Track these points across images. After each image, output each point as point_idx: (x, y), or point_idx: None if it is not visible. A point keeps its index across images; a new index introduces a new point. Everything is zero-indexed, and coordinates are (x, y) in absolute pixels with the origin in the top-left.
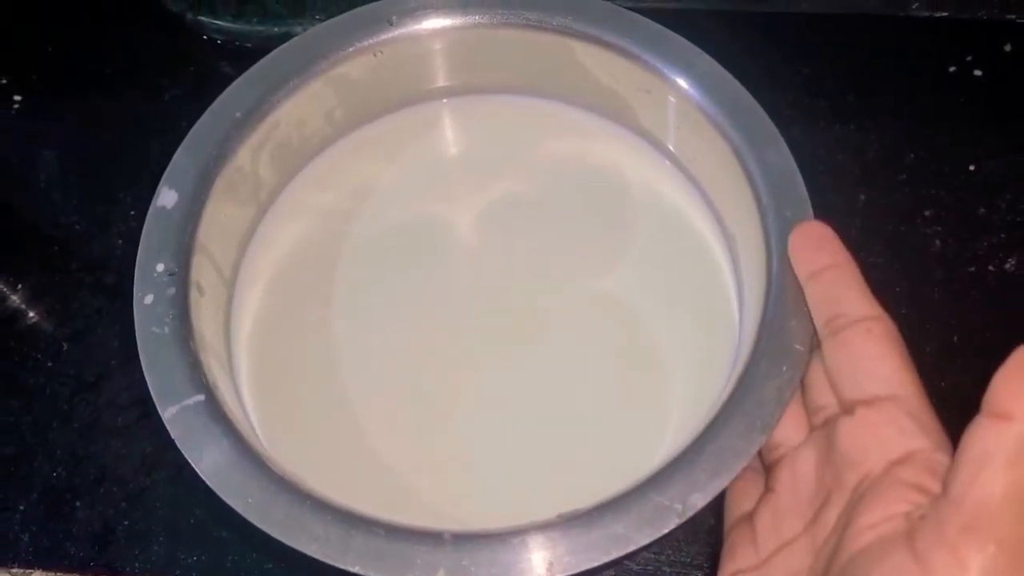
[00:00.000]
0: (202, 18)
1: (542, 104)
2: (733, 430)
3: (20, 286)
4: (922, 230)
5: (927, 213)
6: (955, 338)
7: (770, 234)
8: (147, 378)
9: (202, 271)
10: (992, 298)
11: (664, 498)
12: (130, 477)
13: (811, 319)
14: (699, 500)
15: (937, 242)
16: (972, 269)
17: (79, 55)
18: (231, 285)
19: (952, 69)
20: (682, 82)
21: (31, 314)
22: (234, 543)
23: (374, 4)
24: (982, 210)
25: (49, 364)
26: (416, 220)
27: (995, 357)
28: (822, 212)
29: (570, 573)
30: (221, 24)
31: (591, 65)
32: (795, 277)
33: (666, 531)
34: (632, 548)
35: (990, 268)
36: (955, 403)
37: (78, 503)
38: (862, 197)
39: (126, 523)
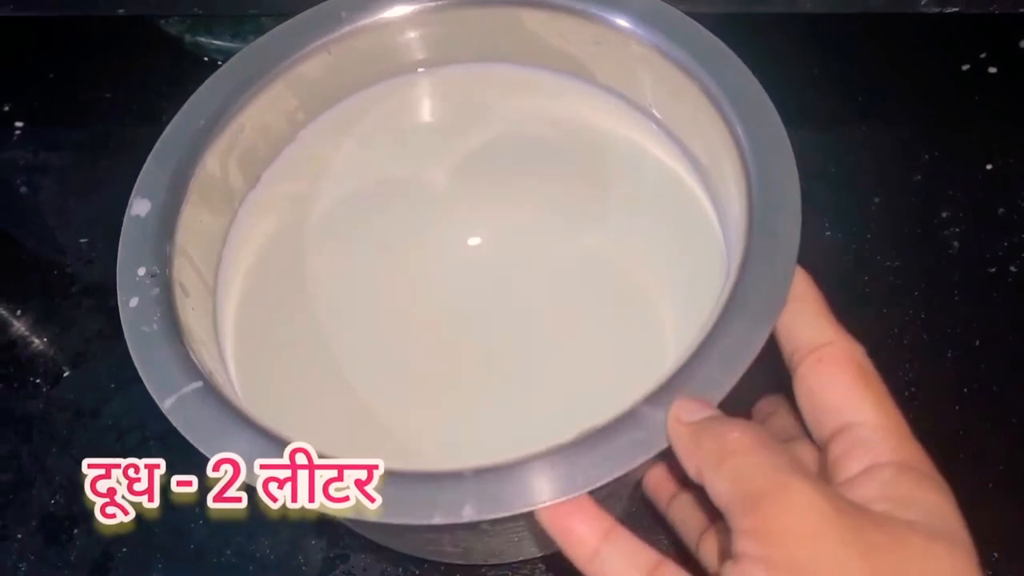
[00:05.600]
0: (200, 39)
1: (502, 69)
2: (734, 329)
3: (20, 312)
4: (939, 232)
5: (944, 214)
6: (977, 342)
7: (745, 155)
8: (141, 374)
9: (184, 273)
10: (1014, 300)
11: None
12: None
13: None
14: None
15: (955, 243)
16: (992, 270)
17: (79, 80)
18: (213, 292)
19: (966, 67)
20: (623, 23)
21: (32, 339)
22: (233, 567)
23: (325, 3)
24: (1001, 210)
25: (48, 389)
26: (391, 187)
27: (1020, 360)
28: (835, 216)
29: (595, 486)
30: (220, 44)
31: (540, 29)
32: (777, 198)
33: None
34: (653, 454)
35: (1011, 269)
36: (980, 408)
37: (76, 530)
38: (876, 199)
39: (125, 550)
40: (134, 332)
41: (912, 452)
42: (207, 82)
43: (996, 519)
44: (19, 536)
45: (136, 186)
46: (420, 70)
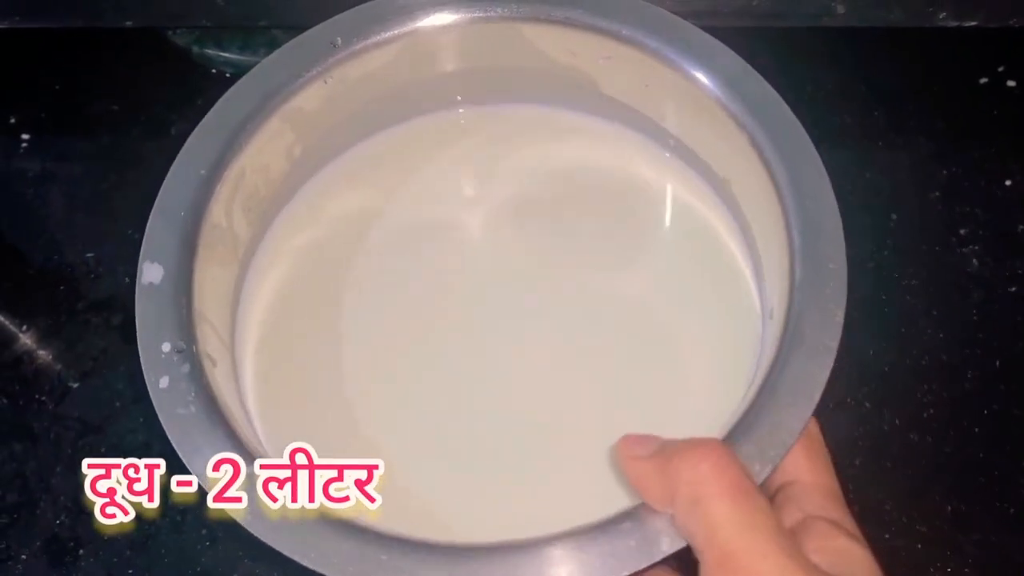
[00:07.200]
0: (208, 51)
1: (516, 109)
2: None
3: (26, 327)
4: (958, 250)
5: (962, 232)
6: (997, 363)
7: (777, 179)
8: (186, 461)
9: (209, 342)
10: None
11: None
12: (135, 525)
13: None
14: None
15: (974, 261)
16: (1012, 289)
17: (86, 92)
18: (231, 349)
19: (984, 80)
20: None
21: (37, 356)
22: None
23: (314, 29)
24: (1021, 227)
25: (54, 407)
26: (413, 233)
27: None
28: (852, 233)
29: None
30: (228, 56)
31: (545, 46)
32: (820, 254)
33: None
34: None
35: None
36: (1001, 431)
37: (82, 551)
38: (894, 216)
39: (130, 572)
40: (169, 416)
41: (840, 512)
42: (197, 128)
43: (1018, 545)
44: (23, 557)
45: (143, 249)
46: (443, 111)
